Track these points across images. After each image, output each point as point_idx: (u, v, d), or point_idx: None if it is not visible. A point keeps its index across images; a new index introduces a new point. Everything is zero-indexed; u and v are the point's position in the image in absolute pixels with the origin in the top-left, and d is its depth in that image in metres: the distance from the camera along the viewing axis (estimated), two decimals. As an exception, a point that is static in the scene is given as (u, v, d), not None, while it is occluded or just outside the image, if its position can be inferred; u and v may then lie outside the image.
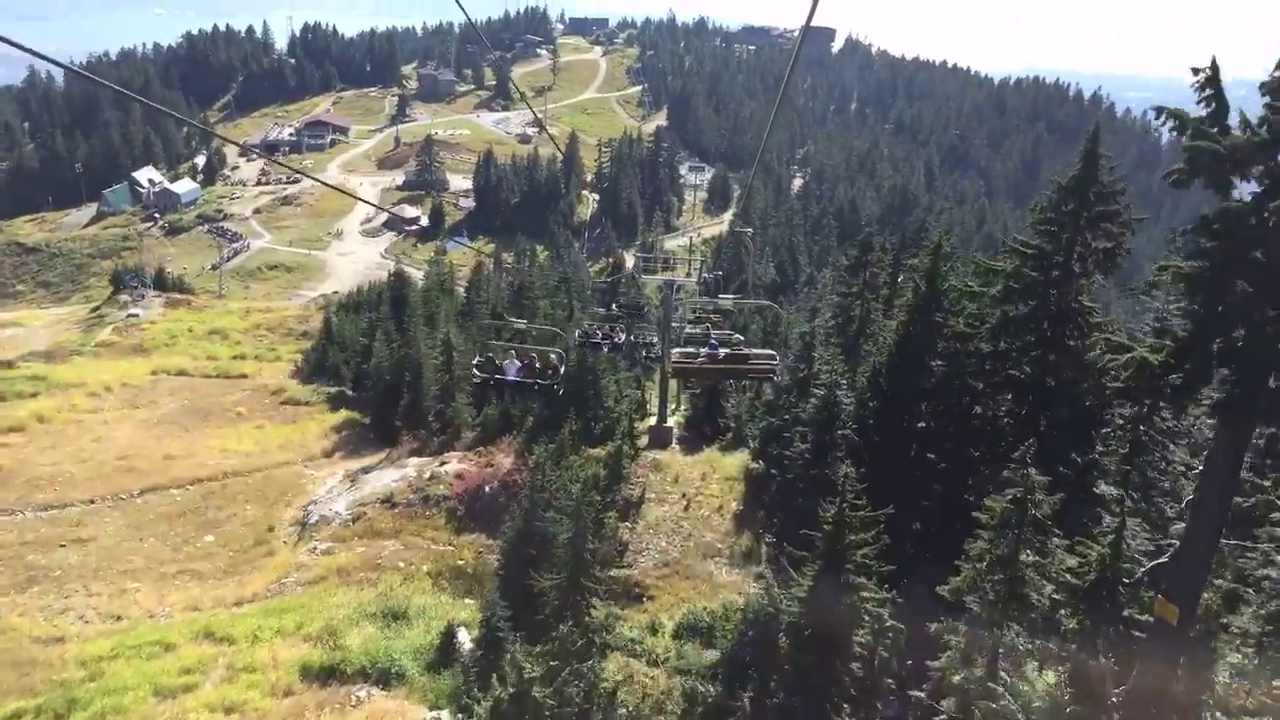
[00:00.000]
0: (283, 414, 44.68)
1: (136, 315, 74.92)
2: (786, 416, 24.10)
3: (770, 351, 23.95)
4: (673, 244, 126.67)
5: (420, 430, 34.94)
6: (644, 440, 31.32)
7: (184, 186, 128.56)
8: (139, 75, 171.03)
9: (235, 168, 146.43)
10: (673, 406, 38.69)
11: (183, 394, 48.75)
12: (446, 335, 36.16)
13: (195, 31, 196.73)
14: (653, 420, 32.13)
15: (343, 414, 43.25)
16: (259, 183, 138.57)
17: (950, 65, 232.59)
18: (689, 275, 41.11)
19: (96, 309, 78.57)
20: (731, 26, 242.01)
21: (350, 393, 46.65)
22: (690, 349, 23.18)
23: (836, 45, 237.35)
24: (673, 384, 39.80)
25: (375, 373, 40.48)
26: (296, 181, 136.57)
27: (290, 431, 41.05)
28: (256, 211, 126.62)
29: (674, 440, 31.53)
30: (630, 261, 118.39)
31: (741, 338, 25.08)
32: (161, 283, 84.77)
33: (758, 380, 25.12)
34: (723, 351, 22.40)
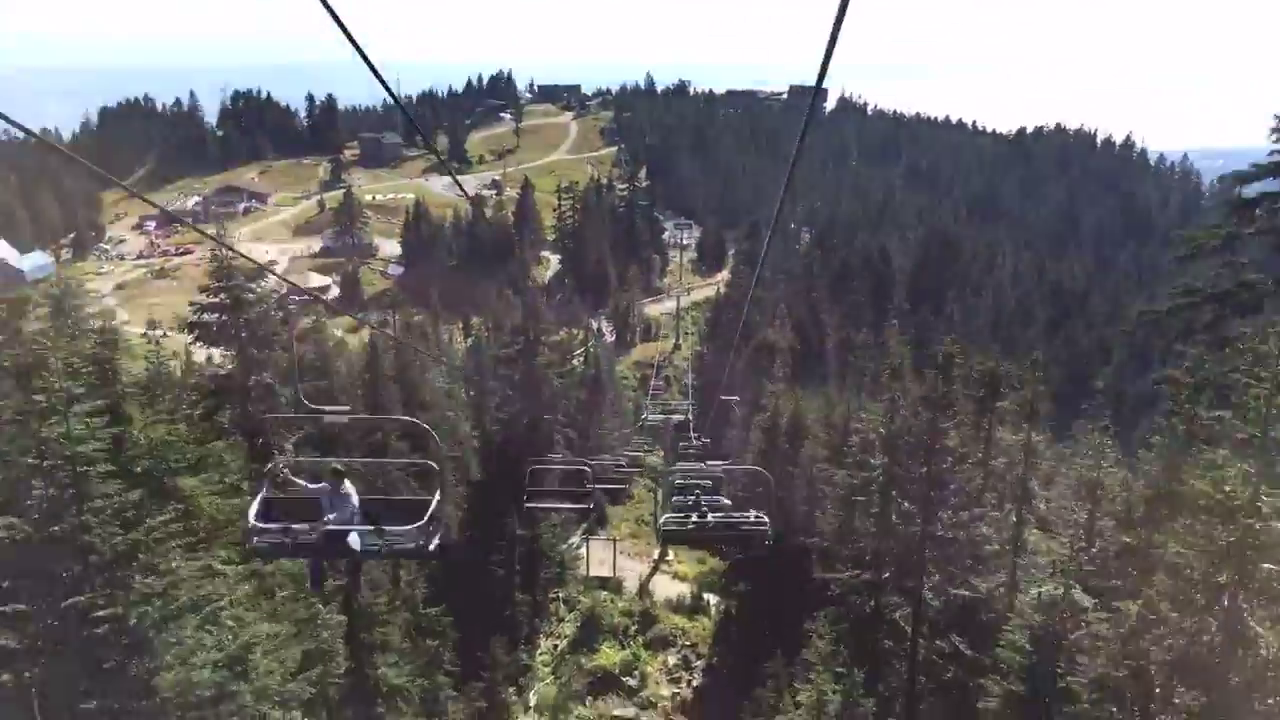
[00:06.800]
0: None
1: None
2: None
3: (762, 516, 16.99)
4: (655, 309, 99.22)
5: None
6: None
7: (32, 261, 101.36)
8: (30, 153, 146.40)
9: (121, 241, 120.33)
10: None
11: None
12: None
13: (114, 105, 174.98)
14: None
15: None
16: (141, 255, 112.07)
17: (955, 120, 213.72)
18: None
19: None
20: (715, 90, 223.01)
21: None
22: (679, 515, 17.67)
23: (829, 105, 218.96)
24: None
25: None
26: (187, 253, 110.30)
27: None
28: (119, 287, 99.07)
29: None
30: (601, 328, 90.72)
31: (730, 502, 18.96)
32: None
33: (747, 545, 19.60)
34: (712, 518, 17.21)
